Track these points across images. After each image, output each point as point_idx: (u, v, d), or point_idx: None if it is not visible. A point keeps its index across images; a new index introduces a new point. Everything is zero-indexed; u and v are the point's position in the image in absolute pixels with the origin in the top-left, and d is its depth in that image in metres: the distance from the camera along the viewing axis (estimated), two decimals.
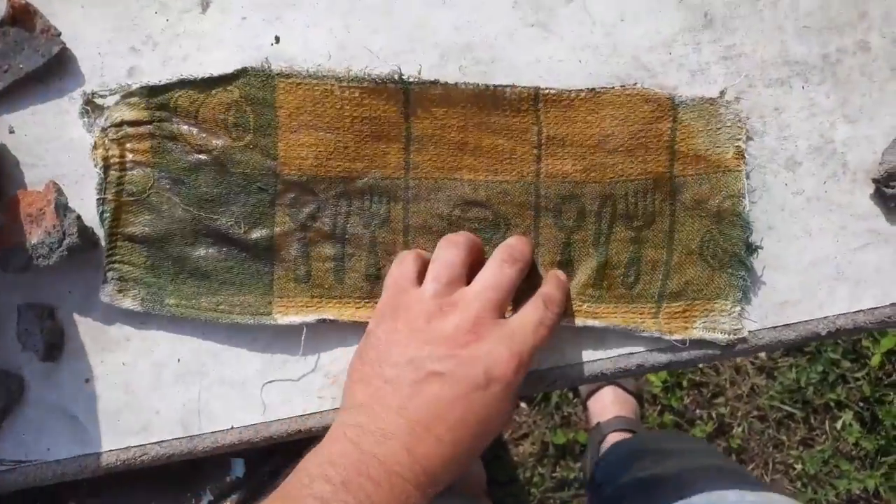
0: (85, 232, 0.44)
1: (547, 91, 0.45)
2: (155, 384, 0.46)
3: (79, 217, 0.44)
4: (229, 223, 0.45)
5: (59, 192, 0.44)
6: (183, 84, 0.44)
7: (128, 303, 0.45)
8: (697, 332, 0.46)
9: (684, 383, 1.29)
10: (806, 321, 0.48)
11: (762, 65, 0.47)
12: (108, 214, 0.45)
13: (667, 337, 0.46)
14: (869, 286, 0.48)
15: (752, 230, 0.46)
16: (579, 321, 0.46)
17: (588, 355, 0.47)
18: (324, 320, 0.45)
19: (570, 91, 0.45)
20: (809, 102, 0.47)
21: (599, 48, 0.47)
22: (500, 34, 0.47)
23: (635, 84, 0.46)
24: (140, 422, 0.46)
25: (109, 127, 0.44)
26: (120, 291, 0.45)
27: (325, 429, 0.46)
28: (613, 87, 0.46)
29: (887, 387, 1.28)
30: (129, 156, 0.45)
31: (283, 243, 0.45)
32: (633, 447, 0.97)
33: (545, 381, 0.47)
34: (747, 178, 0.46)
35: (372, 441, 0.38)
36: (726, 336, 0.46)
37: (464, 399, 0.39)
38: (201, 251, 0.45)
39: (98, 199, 0.45)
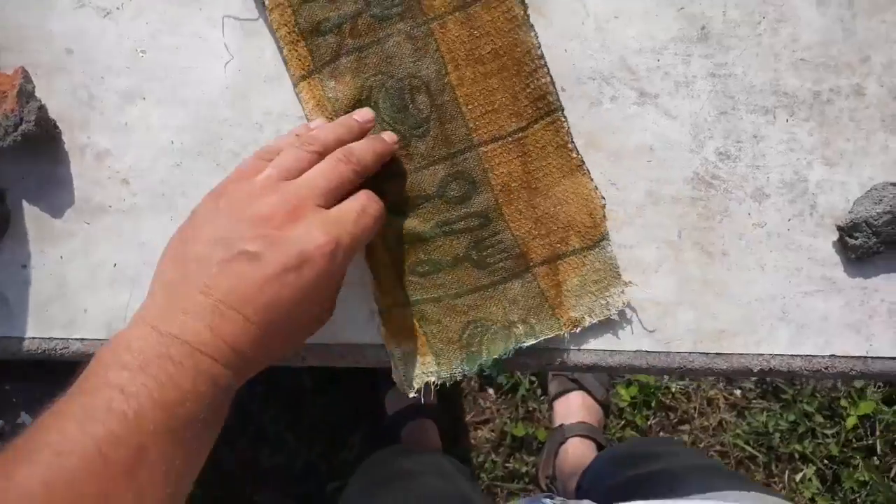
0: (45, 123, 0.44)
1: (562, 118, 0.45)
2: (88, 283, 0.47)
3: (42, 107, 0.44)
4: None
5: (27, 79, 0.44)
6: None
7: None
8: (394, 350, 0.46)
9: (653, 403, 1.29)
10: (741, 354, 0.47)
11: (750, 89, 0.46)
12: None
13: (377, 321, 0.46)
14: (812, 333, 0.47)
15: (501, 364, 0.46)
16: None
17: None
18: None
19: (572, 140, 0.45)
20: (790, 137, 0.46)
21: (588, 41, 0.46)
22: None
23: (604, 200, 0.45)
24: (67, 316, 0.47)
25: None
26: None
27: None
28: (592, 181, 0.46)
29: (855, 450, 1.26)
30: None
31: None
32: (618, 454, 0.96)
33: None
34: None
35: (172, 322, 0.36)
36: (401, 377, 0.46)
37: (275, 280, 0.37)
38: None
39: None
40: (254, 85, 0.47)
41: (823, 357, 0.47)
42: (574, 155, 0.45)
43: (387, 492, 0.70)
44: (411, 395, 0.46)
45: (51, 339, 0.46)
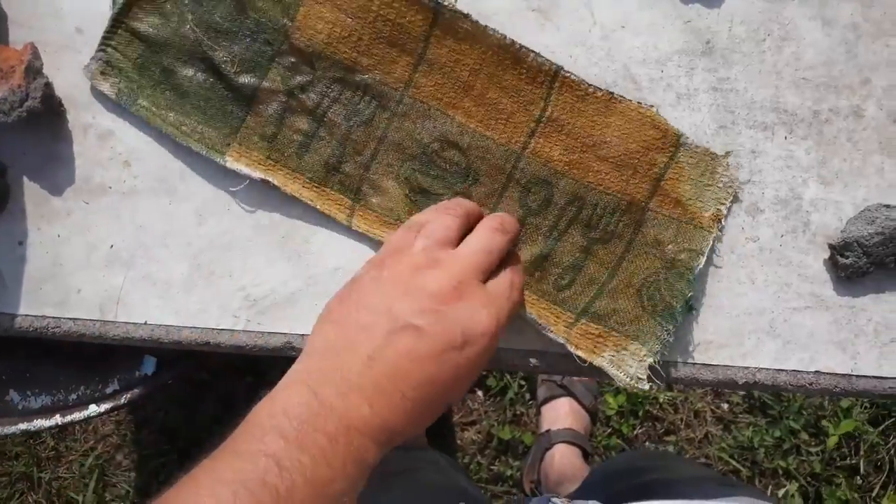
0: (50, 100, 0.45)
1: (568, 74, 0.45)
2: (83, 263, 0.47)
3: (48, 84, 0.44)
4: (225, 59, 0.45)
5: (36, 55, 0.44)
6: None
7: (105, 87, 0.46)
8: (602, 362, 0.46)
9: (640, 413, 1.29)
10: (727, 366, 0.47)
11: (750, 105, 0.47)
12: (122, 3, 0.45)
13: (570, 349, 0.46)
14: (798, 349, 0.47)
15: (696, 289, 0.46)
16: None
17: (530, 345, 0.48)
18: (268, 182, 0.46)
19: (589, 84, 0.45)
20: (788, 154, 0.47)
21: (593, 49, 0.47)
22: (500, 11, 0.46)
23: (652, 106, 0.46)
24: (60, 295, 0.47)
25: None
26: (102, 73, 0.46)
27: (235, 347, 0.47)
28: (631, 101, 0.45)
29: (839, 468, 1.27)
30: None
31: (265, 98, 0.46)
32: (615, 467, 0.96)
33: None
34: (718, 240, 0.46)
35: (333, 391, 0.36)
36: (626, 379, 0.46)
37: (437, 357, 0.38)
38: (189, 72, 0.46)
39: None
40: None
41: (808, 373, 0.47)
42: (599, 94, 0.45)
43: (388, 489, 0.70)
44: (646, 386, 0.46)
45: (43, 317, 0.47)
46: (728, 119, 0.47)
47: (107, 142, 0.47)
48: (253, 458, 0.34)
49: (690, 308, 0.46)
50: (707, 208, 0.46)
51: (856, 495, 1.24)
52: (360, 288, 0.40)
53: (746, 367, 0.47)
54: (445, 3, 0.45)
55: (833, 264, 0.47)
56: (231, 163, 0.46)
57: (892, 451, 1.25)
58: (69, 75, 0.47)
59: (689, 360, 0.47)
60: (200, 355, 0.47)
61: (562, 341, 0.46)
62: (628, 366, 0.46)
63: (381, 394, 0.37)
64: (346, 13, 0.45)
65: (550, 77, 0.45)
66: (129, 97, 0.46)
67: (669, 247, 0.46)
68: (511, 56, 0.45)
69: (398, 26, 0.45)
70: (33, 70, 0.44)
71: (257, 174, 0.46)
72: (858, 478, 1.26)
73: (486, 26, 0.45)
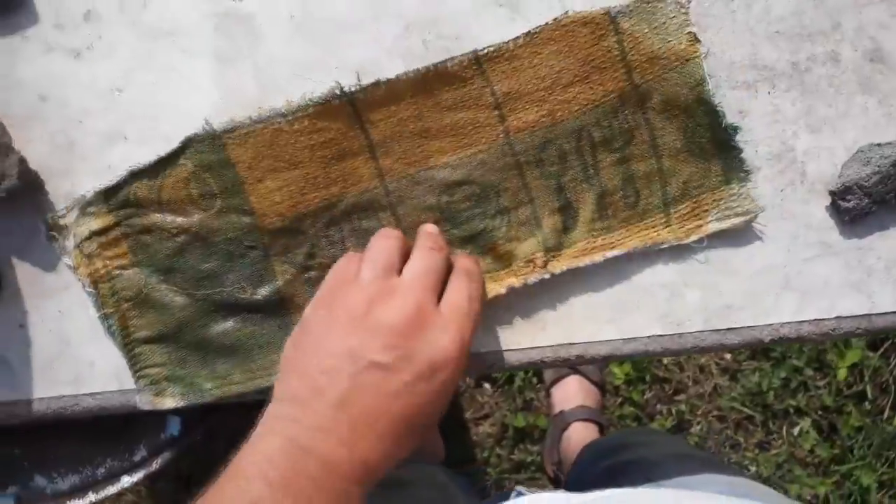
0: (27, 175, 0.43)
1: (485, 51, 0.45)
2: (91, 335, 0.46)
3: (22, 159, 0.43)
4: (234, 291, 0.44)
5: (3, 131, 0.43)
6: (134, 176, 0.44)
7: (169, 402, 0.45)
8: (713, 226, 0.46)
9: (647, 377, 1.30)
10: (750, 327, 0.48)
11: (730, 66, 0.47)
12: (116, 327, 0.44)
13: (686, 241, 0.46)
14: (815, 297, 0.48)
15: (723, 113, 0.46)
16: (599, 256, 0.46)
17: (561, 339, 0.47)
18: None
19: (507, 42, 0.45)
20: (774, 109, 0.47)
21: None
22: (466, 11, 0.46)
23: (566, 12, 0.45)
24: (73, 372, 0.46)
25: (81, 243, 0.44)
26: (157, 395, 0.45)
27: (258, 393, 0.47)
28: (546, 24, 0.45)
29: (847, 398, 1.29)
30: (112, 263, 0.44)
31: (293, 290, 0.45)
32: (603, 445, 0.98)
33: (486, 363, 0.47)
34: (705, 58, 0.46)
35: (309, 438, 0.36)
36: (743, 218, 0.46)
37: (407, 391, 0.37)
38: (218, 328, 0.45)
39: (100, 316, 0.45)
40: (235, 114, 0.46)
41: (830, 319, 0.48)
42: (520, 43, 0.44)
43: (380, 499, 0.70)
44: (762, 207, 0.46)
45: (60, 397, 0.45)
46: (711, 84, 0.47)
47: None
48: None
49: (735, 128, 0.46)
50: (679, 41, 0.45)
51: (867, 420, 1.27)
52: (313, 329, 0.40)
53: (770, 325, 0.48)
54: (352, 90, 0.44)
55: (836, 210, 0.47)
56: None
57: (894, 373, 1.28)
58: (40, 146, 0.45)
59: (713, 328, 0.47)
60: (225, 408, 0.46)
61: (674, 242, 0.46)
62: (735, 207, 0.46)
63: (357, 436, 0.37)
64: (287, 169, 0.44)
65: (475, 65, 0.45)
66: (193, 393, 0.45)
67: (678, 98, 0.46)
68: (434, 79, 0.44)
69: (333, 141, 0.44)
70: (3, 148, 0.42)
71: None
72: (867, 403, 1.28)
73: (396, 77, 0.44)
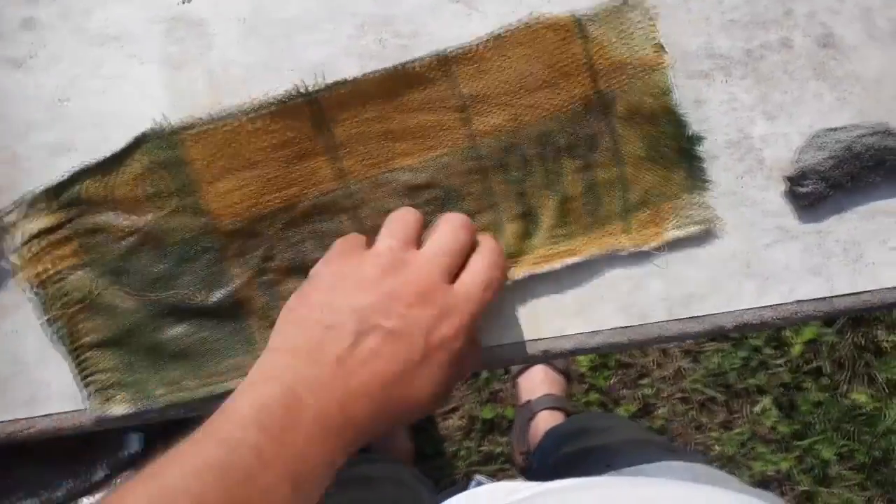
0: None
1: (453, 52, 0.44)
2: (46, 355, 0.44)
3: None
4: (187, 294, 0.43)
5: None
6: (85, 172, 0.42)
7: (119, 409, 0.43)
8: (671, 234, 0.46)
9: (611, 363, 1.32)
10: (713, 314, 0.48)
11: (685, 56, 0.47)
12: (64, 330, 0.43)
13: (645, 248, 0.46)
14: (776, 282, 0.48)
15: (687, 123, 0.46)
16: (558, 263, 0.46)
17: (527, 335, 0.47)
18: None
19: (474, 45, 0.44)
20: (730, 97, 0.47)
21: None
22: (422, 8, 0.45)
23: (533, 15, 0.45)
24: (28, 392, 0.44)
25: (27, 243, 0.42)
26: (107, 401, 0.43)
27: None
28: (513, 26, 0.44)
29: (805, 374, 1.32)
30: (59, 264, 0.42)
31: (248, 294, 0.44)
32: (563, 430, 0.99)
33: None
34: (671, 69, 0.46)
35: (307, 391, 0.36)
36: (699, 227, 0.47)
37: (403, 360, 0.38)
38: (170, 332, 0.43)
39: (46, 321, 0.42)
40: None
41: (790, 304, 0.48)
42: (489, 44, 0.44)
43: (342, 494, 0.70)
44: (719, 217, 0.47)
45: (15, 420, 0.44)
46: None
47: None
48: (237, 447, 0.34)
49: (698, 139, 0.47)
50: (645, 51, 0.46)
51: (826, 395, 1.30)
52: (323, 286, 0.40)
53: (732, 312, 0.48)
54: (315, 89, 0.43)
55: (792, 195, 0.48)
56: None
57: (849, 348, 1.32)
58: None
59: (676, 317, 0.48)
60: (188, 422, 0.45)
61: (633, 248, 0.46)
62: (693, 217, 0.47)
63: (351, 396, 0.37)
64: (244, 169, 0.43)
65: (441, 67, 0.44)
66: (143, 399, 0.43)
67: (643, 106, 0.46)
68: (399, 80, 0.44)
69: (293, 140, 0.43)
70: None
71: None
72: (825, 378, 1.32)
73: (362, 76, 0.43)
